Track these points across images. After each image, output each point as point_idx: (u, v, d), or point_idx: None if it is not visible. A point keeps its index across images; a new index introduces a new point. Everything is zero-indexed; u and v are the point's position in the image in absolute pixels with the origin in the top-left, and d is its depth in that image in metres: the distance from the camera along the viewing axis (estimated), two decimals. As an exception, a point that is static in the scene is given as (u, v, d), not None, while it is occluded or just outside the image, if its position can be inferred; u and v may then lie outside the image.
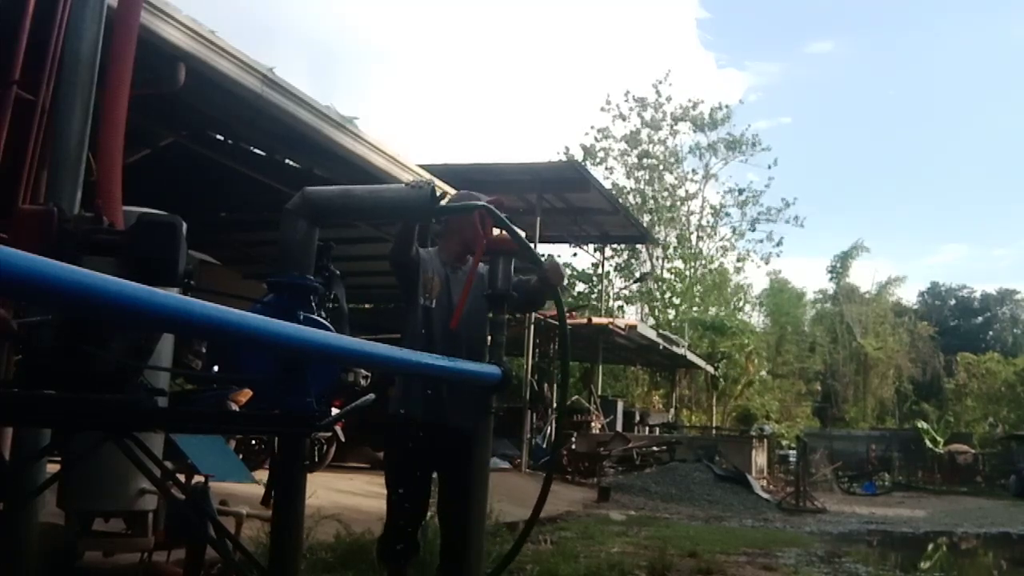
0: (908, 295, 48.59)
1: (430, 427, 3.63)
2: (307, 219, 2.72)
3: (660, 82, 34.90)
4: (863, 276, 56.04)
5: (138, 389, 2.22)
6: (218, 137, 7.98)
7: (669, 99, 34.65)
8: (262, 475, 6.60)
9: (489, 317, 3.63)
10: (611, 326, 18.76)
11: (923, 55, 71.29)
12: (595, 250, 24.17)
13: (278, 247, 2.79)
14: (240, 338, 2.00)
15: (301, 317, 2.52)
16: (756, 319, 37.86)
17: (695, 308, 32.00)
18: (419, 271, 3.70)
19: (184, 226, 2.17)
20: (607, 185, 26.35)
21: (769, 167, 35.56)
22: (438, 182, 7.82)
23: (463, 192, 3.92)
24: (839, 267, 42.19)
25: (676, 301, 32.64)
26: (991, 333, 47.23)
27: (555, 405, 17.86)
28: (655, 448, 17.50)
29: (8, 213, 2.22)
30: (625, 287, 33.72)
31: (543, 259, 3.83)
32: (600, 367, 22.28)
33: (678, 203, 34.85)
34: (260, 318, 2.06)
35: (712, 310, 32.32)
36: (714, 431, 25.92)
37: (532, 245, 11.44)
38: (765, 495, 15.35)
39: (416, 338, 3.57)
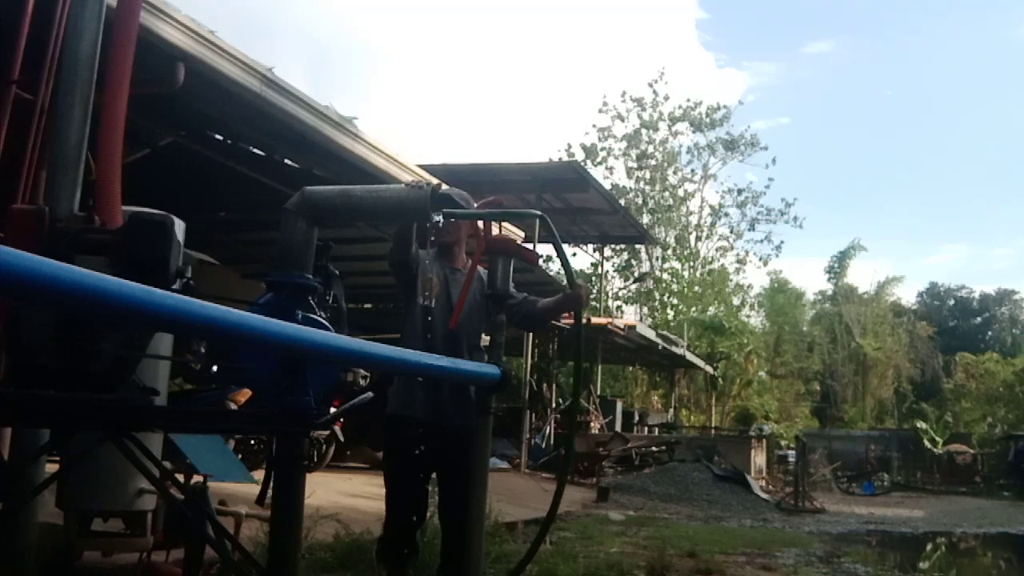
0: (907, 295, 48.70)
1: (430, 427, 3.63)
2: (306, 219, 2.72)
3: (656, 81, 35.01)
4: (863, 276, 56.08)
5: (131, 388, 2.22)
6: (218, 137, 7.98)
7: (667, 98, 34.74)
8: (261, 475, 6.60)
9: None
10: (610, 326, 18.77)
11: (921, 55, 71.33)
12: (594, 250, 24.18)
13: (277, 247, 2.79)
14: (240, 338, 2.00)
15: (300, 317, 2.52)
16: (755, 319, 37.90)
17: (694, 308, 32.02)
18: (419, 271, 3.70)
19: (175, 225, 2.18)
20: (607, 185, 26.39)
21: (767, 166, 35.65)
22: (435, 180, 7.82)
23: (455, 191, 3.92)
24: (837, 267, 42.25)
25: (675, 302, 32.67)
26: (990, 333, 47.21)
27: (554, 405, 17.87)
28: (654, 448, 17.51)
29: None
30: (624, 287, 33.75)
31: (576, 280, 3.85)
32: (599, 367, 22.29)
33: (677, 203, 34.89)
34: (260, 318, 2.05)
35: (711, 310, 32.35)
36: (713, 431, 25.93)
37: (532, 247, 11.43)
38: (764, 495, 15.35)
39: (416, 338, 3.58)
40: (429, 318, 3.68)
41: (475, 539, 3.49)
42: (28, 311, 2.02)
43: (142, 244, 2.09)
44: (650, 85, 34.95)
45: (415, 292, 3.71)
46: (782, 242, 35.96)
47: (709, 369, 27.23)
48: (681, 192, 35.36)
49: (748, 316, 36.16)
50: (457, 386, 3.62)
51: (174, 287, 2.10)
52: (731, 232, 35.86)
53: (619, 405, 22.22)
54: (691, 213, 35.75)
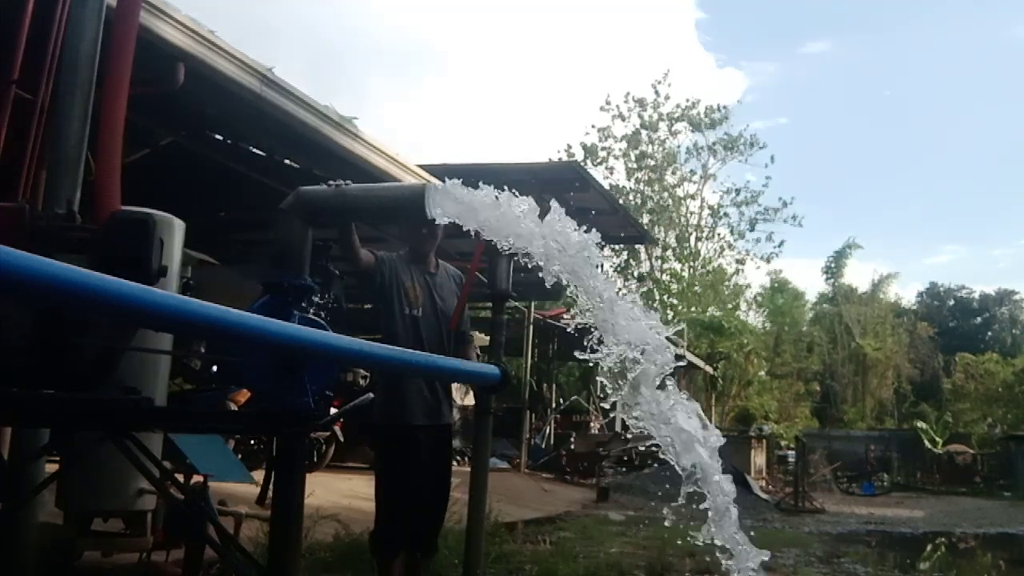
0: (907, 295, 48.69)
1: (426, 428, 3.71)
2: (301, 219, 2.72)
3: (659, 82, 34.99)
4: (864, 277, 56.07)
5: (112, 388, 2.21)
6: (218, 137, 7.98)
7: (667, 98, 34.73)
8: (261, 475, 6.61)
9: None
10: (610, 326, 18.74)
11: (919, 55, 71.31)
12: (594, 250, 24.16)
13: (273, 248, 2.79)
14: (239, 338, 2.00)
15: (296, 317, 2.52)
16: (754, 319, 37.86)
17: (693, 309, 32.01)
18: (382, 276, 3.72)
19: (159, 224, 2.16)
20: (607, 185, 26.36)
21: (766, 165, 35.61)
22: (433, 179, 7.81)
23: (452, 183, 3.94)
24: (833, 266, 42.24)
25: (674, 302, 32.65)
26: (990, 334, 47.20)
27: (554, 405, 17.88)
28: (654, 448, 17.50)
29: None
30: (624, 287, 33.67)
31: None
32: (600, 367, 22.26)
33: (676, 203, 34.88)
34: (259, 318, 2.06)
35: (711, 310, 32.34)
36: (713, 431, 25.87)
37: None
38: (764, 495, 15.35)
39: (407, 346, 3.62)
40: (418, 327, 3.72)
41: (475, 539, 3.50)
42: (3, 310, 2.00)
43: (123, 242, 2.08)
44: (654, 86, 34.97)
45: (391, 298, 3.72)
46: (783, 241, 35.89)
47: (709, 369, 27.22)
48: (680, 192, 35.37)
49: (746, 315, 36.15)
50: (441, 385, 3.74)
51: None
52: (731, 232, 35.85)
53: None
54: (691, 213, 35.75)
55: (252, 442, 8.19)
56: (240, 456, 7.06)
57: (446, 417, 3.83)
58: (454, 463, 4.28)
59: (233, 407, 6.33)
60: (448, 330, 3.78)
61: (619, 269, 33.44)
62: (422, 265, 3.85)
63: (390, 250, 4.05)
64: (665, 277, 33.36)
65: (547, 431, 17.29)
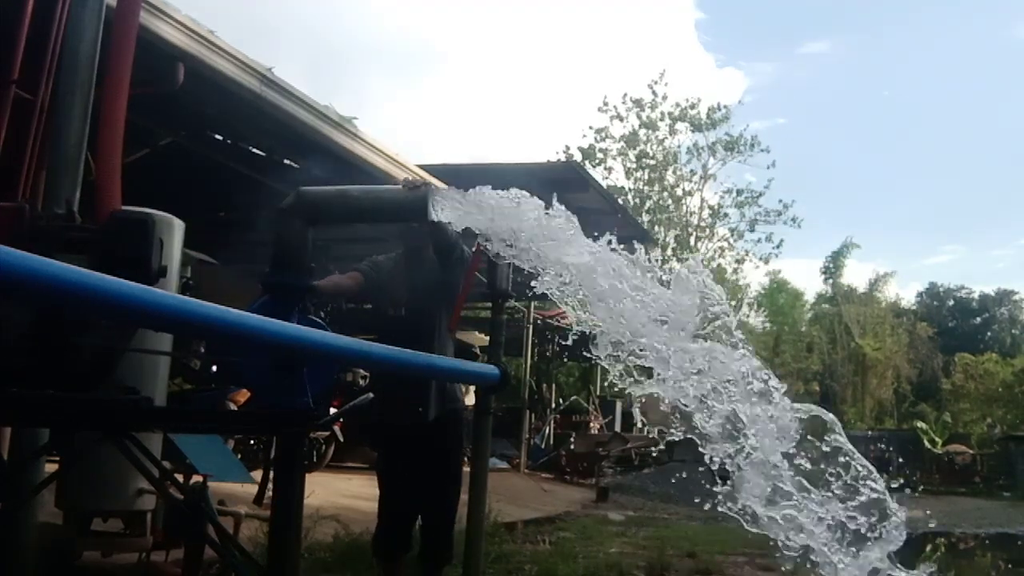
0: (907, 295, 48.67)
1: (411, 428, 3.74)
2: (302, 219, 2.72)
3: (656, 82, 34.96)
4: (862, 277, 56.07)
5: (112, 388, 2.21)
6: (218, 137, 7.98)
7: (664, 98, 34.69)
8: (260, 475, 6.61)
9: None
10: (610, 326, 18.73)
11: (918, 55, 71.24)
12: (594, 251, 24.14)
13: (273, 248, 2.78)
14: (239, 338, 2.00)
15: (296, 317, 2.52)
16: (754, 320, 37.82)
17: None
18: (375, 286, 3.81)
19: (158, 223, 2.17)
20: (606, 186, 26.36)
21: (768, 167, 35.55)
22: (437, 182, 7.82)
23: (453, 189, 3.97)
24: (832, 266, 42.23)
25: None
26: (989, 334, 47.20)
27: (554, 405, 17.88)
28: (653, 448, 17.51)
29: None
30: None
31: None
32: (599, 367, 22.28)
33: (676, 203, 34.87)
34: (259, 318, 2.06)
35: (710, 310, 32.29)
36: (713, 431, 25.88)
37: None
38: (763, 495, 15.33)
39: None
40: (397, 326, 3.75)
41: (475, 539, 3.50)
42: (3, 310, 1.99)
43: (123, 242, 2.08)
44: (650, 87, 34.95)
45: (378, 306, 3.85)
46: (782, 240, 35.83)
47: (708, 369, 27.21)
48: (679, 191, 35.34)
49: (746, 316, 36.09)
50: (436, 383, 3.76)
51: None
52: (731, 233, 35.82)
53: (619, 405, 22.21)
54: (691, 213, 35.72)
55: (252, 442, 8.18)
56: (240, 456, 7.06)
57: (441, 415, 3.79)
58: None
59: (233, 407, 6.33)
60: (428, 321, 3.79)
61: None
62: (414, 259, 3.88)
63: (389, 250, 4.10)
64: (666, 278, 33.31)
65: (547, 431, 17.29)
